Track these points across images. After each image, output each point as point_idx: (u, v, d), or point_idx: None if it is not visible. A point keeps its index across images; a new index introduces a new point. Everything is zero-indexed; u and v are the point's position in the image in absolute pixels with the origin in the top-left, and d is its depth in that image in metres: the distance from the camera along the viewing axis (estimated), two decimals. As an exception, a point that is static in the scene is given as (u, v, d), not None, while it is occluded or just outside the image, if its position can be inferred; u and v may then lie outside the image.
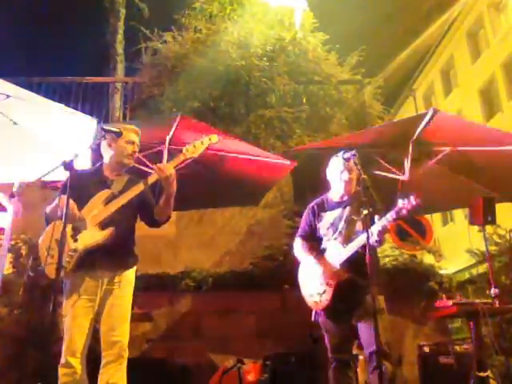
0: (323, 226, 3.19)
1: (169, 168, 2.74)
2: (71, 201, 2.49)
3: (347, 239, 2.99)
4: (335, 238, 3.08)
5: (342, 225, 3.10)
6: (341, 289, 2.94)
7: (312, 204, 3.35)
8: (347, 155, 2.95)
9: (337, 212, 3.17)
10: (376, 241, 2.80)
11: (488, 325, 3.69)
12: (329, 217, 3.19)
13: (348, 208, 3.13)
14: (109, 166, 2.91)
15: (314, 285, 3.07)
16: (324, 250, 3.13)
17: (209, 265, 5.75)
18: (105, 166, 2.93)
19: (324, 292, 2.99)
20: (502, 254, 5.26)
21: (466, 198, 4.48)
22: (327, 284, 2.98)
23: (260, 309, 5.34)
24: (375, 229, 2.78)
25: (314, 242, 3.24)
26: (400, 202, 2.69)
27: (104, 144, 2.91)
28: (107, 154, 2.91)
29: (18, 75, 6.63)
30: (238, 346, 5.08)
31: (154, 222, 2.91)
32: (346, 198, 3.20)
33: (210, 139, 2.91)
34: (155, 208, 2.85)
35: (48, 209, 2.78)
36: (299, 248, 3.29)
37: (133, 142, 2.89)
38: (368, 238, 2.62)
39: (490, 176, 4.34)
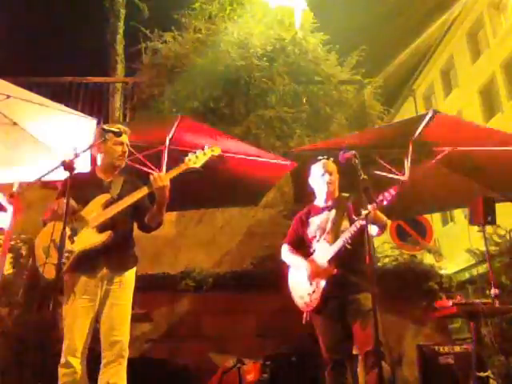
0: (311, 230, 3.25)
1: (165, 179, 2.74)
2: (71, 199, 2.50)
3: (334, 238, 3.04)
4: (324, 239, 3.12)
5: (328, 226, 3.15)
6: (331, 286, 2.96)
7: (299, 214, 3.42)
8: (347, 155, 2.95)
9: (323, 215, 3.23)
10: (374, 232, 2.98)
11: (488, 325, 3.69)
12: (316, 220, 3.25)
13: (334, 210, 3.19)
14: (101, 169, 2.94)
15: (303, 286, 3.11)
16: (313, 252, 3.16)
17: (209, 265, 5.75)
18: (97, 169, 2.95)
19: (313, 292, 3.02)
20: (502, 254, 5.25)
21: (466, 197, 4.49)
22: (316, 283, 3.00)
23: (260, 309, 5.33)
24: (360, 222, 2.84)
25: (301, 249, 3.29)
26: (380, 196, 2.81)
27: (95, 147, 2.92)
28: (98, 156, 2.93)
29: (18, 75, 6.62)
30: (237, 346, 5.07)
31: (144, 227, 2.91)
32: (330, 202, 3.26)
33: (212, 150, 2.93)
34: (147, 213, 2.85)
35: (45, 215, 2.78)
36: (286, 252, 3.37)
37: (121, 143, 2.90)
38: (368, 238, 2.62)
39: (490, 176, 4.34)
